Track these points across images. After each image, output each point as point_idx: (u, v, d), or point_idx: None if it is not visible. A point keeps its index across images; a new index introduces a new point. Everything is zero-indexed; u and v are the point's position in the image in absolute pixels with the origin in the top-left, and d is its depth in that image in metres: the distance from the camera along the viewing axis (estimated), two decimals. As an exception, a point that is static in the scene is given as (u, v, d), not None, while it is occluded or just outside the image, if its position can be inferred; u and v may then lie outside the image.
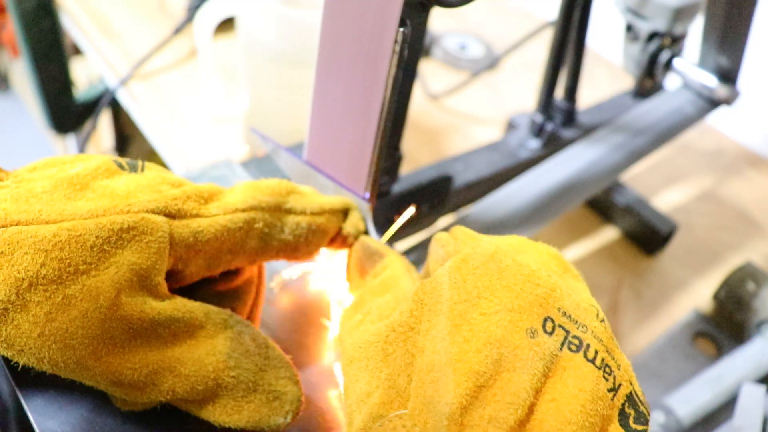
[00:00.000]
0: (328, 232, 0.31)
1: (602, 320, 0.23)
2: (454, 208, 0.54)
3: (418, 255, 0.45)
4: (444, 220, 0.53)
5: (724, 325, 0.58)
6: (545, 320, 0.21)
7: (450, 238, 0.26)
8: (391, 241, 0.49)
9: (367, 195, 0.34)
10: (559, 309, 0.22)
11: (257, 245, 0.28)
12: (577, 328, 0.22)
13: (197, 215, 0.26)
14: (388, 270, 0.28)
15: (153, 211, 0.24)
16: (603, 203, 0.68)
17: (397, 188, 0.47)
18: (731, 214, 0.73)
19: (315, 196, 0.31)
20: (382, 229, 0.47)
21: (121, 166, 0.26)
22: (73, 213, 0.23)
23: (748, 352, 0.50)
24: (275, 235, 0.29)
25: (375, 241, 0.31)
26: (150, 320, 0.23)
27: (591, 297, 0.24)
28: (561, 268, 0.25)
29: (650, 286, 0.62)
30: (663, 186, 0.75)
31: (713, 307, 0.59)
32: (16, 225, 0.22)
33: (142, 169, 0.27)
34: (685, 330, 0.57)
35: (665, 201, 0.72)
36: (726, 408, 0.46)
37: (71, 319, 0.21)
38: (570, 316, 0.22)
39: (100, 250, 0.22)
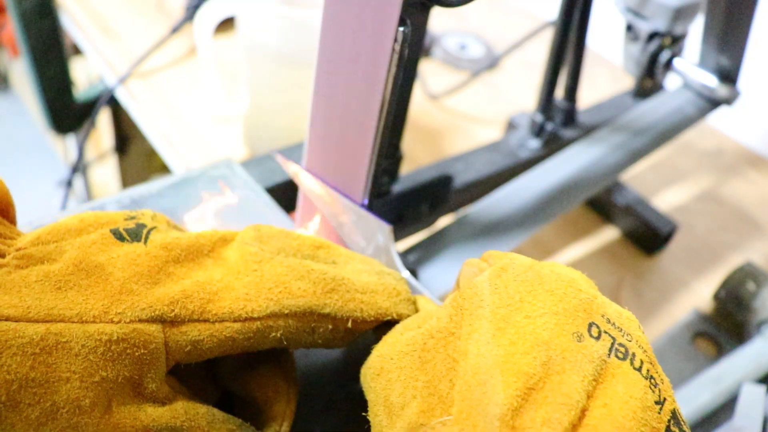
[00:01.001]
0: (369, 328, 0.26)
1: (643, 332, 0.22)
2: (455, 208, 0.54)
3: (418, 255, 0.45)
4: (444, 220, 0.53)
5: (724, 325, 0.58)
6: (590, 325, 0.21)
7: (481, 261, 0.25)
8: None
9: (366, 201, 0.34)
10: (602, 315, 0.21)
11: (274, 345, 0.25)
12: (623, 336, 0.21)
13: (198, 320, 0.23)
14: (419, 301, 0.27)
15: (146, 320, 0.22)
16: (603, 203, 0.68)
17: (397, 188, 0.47)
18: (731, 214, 0.72)
19: (359, 281, 0.26)
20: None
21: (120, 237, 0.24)
22: (61, 314, 0.21)
23: (749, 352, 0.50)
24: (300, 340, 0.25)
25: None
26: (145, 428, 0.22)
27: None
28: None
29: (650, 286, 0.62)
30: (663, 186, 0.75)
31: (713, 307, 0.59)
32: (6, 320, 0.21)
33: (146, 239, 0.24)
34: (685, 330, 0.57)
35: (665, 201, 0.72)
36: (726, 408, 0.46)
37: (62, 428, 0.20)
38: (614, 323, 0.21)
39: (85, 359, 0.21)
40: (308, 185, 0.35)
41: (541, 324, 0.20)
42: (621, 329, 0.21)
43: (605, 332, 0.21)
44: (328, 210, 0.35)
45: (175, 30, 0.77)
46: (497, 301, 0.21)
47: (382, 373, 0.23)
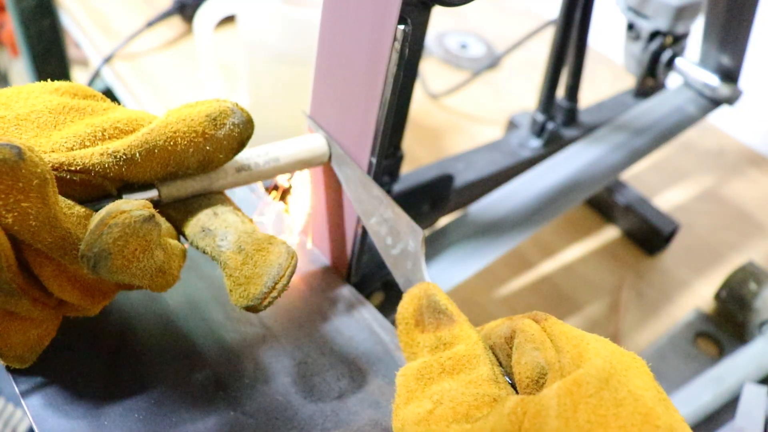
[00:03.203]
0: None
1: None
2: (455, 208, 0.54)
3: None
4: (445, 219, 0.53)
5: (726, 326, 0.57)
6: None
7: (544, 337, 0.23)
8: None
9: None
10: None
11: None
12: None
13: None
14: (462, 346, 0.25)
15: None
16: (604, 202, 0.67)
17: (397, 187, 0.47)
18: (733, 213, 0.72)
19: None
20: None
21: None
22: None
23: (750, 352, 0.50)
24: None
25: (445, 297, 0.27)
26: None
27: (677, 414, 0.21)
28: (654, 383, 0.22)
29: (651, 285, 0.61)
30: (664, 185, 0.75)
31: (715, 307, 0.59)
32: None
33: None
34: (686, 330, 0.57)
35: (666, 200, 0.72)
36: (728, 409, 0.46)
37: None
38: None
39: None
40: (346, 168, 0.33)
41: None
42: None
43: None
44: (361, 200, 0.32)
45: (151, 24, 0.77)
46: (563, 428, 0.19)
47: None
